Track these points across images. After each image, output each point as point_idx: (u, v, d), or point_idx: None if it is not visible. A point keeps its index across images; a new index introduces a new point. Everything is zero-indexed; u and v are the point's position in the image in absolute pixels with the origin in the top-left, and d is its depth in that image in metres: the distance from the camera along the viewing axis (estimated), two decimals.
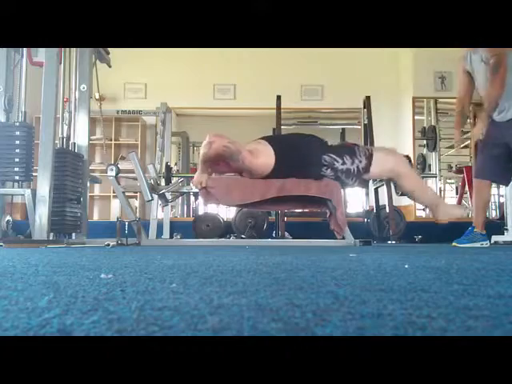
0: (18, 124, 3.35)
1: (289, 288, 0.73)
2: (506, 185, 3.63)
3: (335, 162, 3.00)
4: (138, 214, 5.41)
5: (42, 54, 3.31)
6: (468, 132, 7.11)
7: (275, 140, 3.18)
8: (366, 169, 3.00)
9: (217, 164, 3.10)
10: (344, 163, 3.00)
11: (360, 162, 3.00)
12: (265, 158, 3.03)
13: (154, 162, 5.67)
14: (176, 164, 7.28)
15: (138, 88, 6.97)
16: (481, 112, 3.28)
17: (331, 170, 3.03)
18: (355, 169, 2.99)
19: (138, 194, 6.09)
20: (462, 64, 3.30)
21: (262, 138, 3.15)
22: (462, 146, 7.30)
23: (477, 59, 3.16)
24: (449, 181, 7.63)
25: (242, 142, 3.08)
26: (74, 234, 3.64)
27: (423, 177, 6.97)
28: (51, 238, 3.18)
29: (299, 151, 3.08)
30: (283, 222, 5.43)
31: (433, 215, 3.16)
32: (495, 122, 3.16)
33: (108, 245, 2.92)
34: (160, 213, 5.87)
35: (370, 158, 3.01)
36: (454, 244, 3.25)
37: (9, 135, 3.29)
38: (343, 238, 3.35)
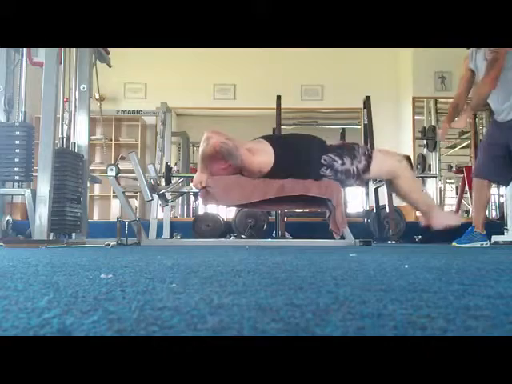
0: (17, 124, 3.35)
1: (289, 288, 0.73)
2: (506, 185, 3.63)
3: (334, 163, 2.99)
4: (137, 214, 5.41)
5: (41, 53, 3.31)
6: (467, 132, 7.12)
7: (275, 139, 3.18)
8: (365, 169, 2.99)
9: (216, 164, 3.09)
10: (343, 164, 2.99)
11: (359, 162, 2.99)
12: (264, 156, 3.03)
13: (154, 162, 5.67)
14: (176, 164, 7.28)
15: (138, 88, 6.97)
16: (467, 105, 3.25)
17: (330, 170, 3.03)
18: (354, 169, 2.99)
19: (138, 194, 6.09)
20: (466, 61, 3.31)
21: (262, 137, 3.15)
22: (449, 145, 7.28)
23: (480, 57, 3.17)
24: (449, 181, 7.62)
25: (240, 140, 3.08)
26: (74, 234, 3.63)
27: (423, 177, 6.98)
28: (51, 238, 3.17)
29: (299, 151, 3.09)
30: (283, 222, 5.43)
31: (426, 221, 3.04)
32: (497, 122, 3.16)
33: (108, 245, 2.92)
34: (160, 213, 5.86)
35: (369, 158, 3.00)
36: (453, 244, 3.25)
37: (9, 135, 3.28)
38: (343, 238, 3.35)
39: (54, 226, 3.21)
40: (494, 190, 6.59)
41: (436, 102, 7.03)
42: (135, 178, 3.83)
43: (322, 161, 3.02)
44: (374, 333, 0.42)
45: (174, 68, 6.85)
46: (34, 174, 3.34)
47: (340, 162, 2.99)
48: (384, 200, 5.21)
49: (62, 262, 1.35)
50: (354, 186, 3.27)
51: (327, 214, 3.35)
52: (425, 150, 7.07)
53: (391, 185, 3.12)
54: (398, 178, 3.02)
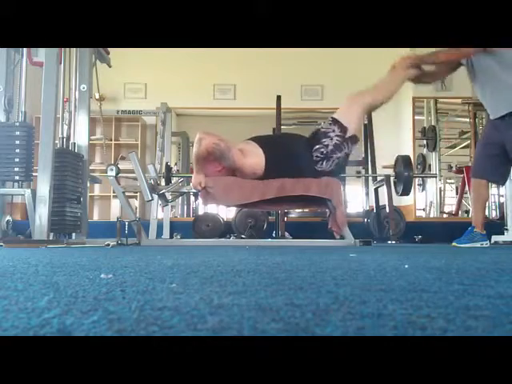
0: (17, 124, 3.35)
1: (289, 288, 0.73)
2: (503, 184, 3.63)
3: (322, 149, 3.03)
4: (137, 214, 5.41)
5: (42, 53, 3.31)
6: (467, 132, 7.13)
7: (263, 141, 3.17)
8: (344, 130, 3.04)
9: (210, 166, 3.09)
10: (327, 145, 3.03)
11: (333, 131, 3.04)
12: (254, 158, 3.04)
13: (154, 162, 5.67)
14: (176, 164, 7.28)
15: (138, 88, 6.97)
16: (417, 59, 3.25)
17: (326, 161, 3.04)
18: (337, 139, 3.03)
19: (138, 194, 6.09)
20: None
21: (250, 139, 3.16)
22: (449, 144, 7.27)
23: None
24: (449, 181, 7.63)
25: (233, 141, 3.08)
26: (73, 234, 3.63)
27: (423, 177, 6.99)
28: (51, 238, 3.17)
29: (289, 151, 3.10)
30: (283, 222, 5.43)
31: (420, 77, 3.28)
32: (492, 121, 3.17)
33: (108, 245, 2.92)
34: (160, 213, 5.86)
35: (335, 121, 3.06)
36: (453, 244, 3.25)
37: (9, 135, 3.28)
38: (343, 238, 3.35)
39: (54, 225, 3.21)
40: (493, 189, 6.60)
41: (436, 102, 7.03)
42: (135, 178, 3.83)
43: (315, 158, 3.03)
44: (374, 333, 0.42)
45: (174, 68, 6.85)
46: (34, 174, 3.34)
47: (324, 146, 3.03)
48: (384, 200, 5.21)
49: (62, 262, 1.35)
50: (352, 156, 3.32)
51: (327, 213, 3.36)
52: (425, 150, 7.07)
53: (375, 108, 3.28)
54: (371, 104, 3.18)
